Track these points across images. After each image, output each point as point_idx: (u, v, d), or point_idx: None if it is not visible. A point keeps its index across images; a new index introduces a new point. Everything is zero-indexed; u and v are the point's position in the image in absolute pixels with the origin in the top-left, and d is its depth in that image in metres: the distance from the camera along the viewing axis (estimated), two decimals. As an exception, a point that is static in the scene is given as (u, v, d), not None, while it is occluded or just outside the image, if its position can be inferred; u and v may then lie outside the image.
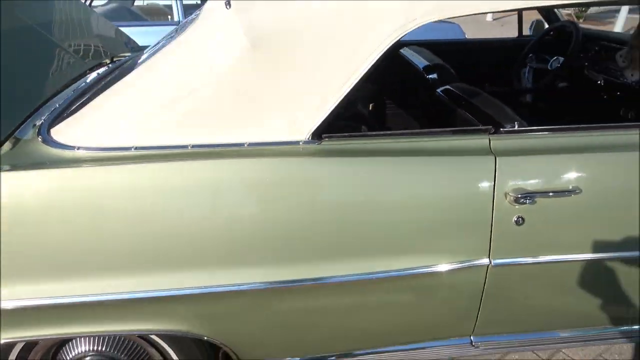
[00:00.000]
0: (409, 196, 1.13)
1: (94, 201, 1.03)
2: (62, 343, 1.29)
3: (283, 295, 1.15)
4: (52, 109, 1.33)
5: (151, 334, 1.19)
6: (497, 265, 1.16)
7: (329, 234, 1.11)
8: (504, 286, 1.21)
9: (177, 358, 1.27)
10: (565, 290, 1.25)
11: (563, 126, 1.22)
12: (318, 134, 1.12)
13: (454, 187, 1.13)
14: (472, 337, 1.32)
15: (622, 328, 1.39)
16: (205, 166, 1.06)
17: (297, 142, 1.12)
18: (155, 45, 1.55)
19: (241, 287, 1.11)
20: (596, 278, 1.25)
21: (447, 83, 2.05)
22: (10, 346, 1.21)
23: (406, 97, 2.13)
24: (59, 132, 1.16)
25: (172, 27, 3.93)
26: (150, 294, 1.08)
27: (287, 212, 1.09)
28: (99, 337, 1.27)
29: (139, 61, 1.43)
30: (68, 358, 1.29)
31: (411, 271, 1.15)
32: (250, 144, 1.11)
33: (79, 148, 1.10)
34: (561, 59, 2.49)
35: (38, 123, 1.25)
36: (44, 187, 1.02)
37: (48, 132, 1.18)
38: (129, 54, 2.14)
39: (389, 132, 1.18)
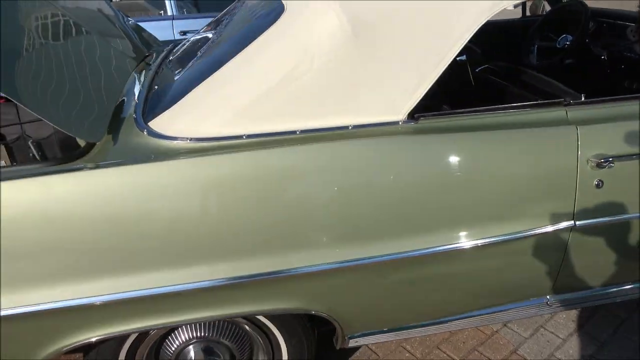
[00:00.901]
0: (501, 167, 1.21)
1: (219, 187, 1.07)
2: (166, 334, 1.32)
3: (387, 268, 1.22)
4: (126, 103, 1.34)
5: (265, 314, 1.24)
6: (580, 227, 1.27)
7: (431, 207, 1.19)
8: (584, 246, 1.32)
9: (280, 335, 1.33)
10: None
11: (624, 96, 1.33)
12: (413, 114, 1.19)
13: (541, 157, 1.22)
14: (548, 297, 1.43)
15: None
16: (324, 148, 1.11)
17: (396, 122, 1.18)
18: (202, 34, 1.59)
19: (351, 263, 1.17)
20: None
21: (479, 64, 2.15)
22: (122, 339, 1.24)
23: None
24: (161, 125, 1.17)
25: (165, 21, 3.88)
26: (270, 276, 1.13)
27: (394, 190, 1.15)
28: (201, 324, 1.31)
29: (206, 52, 1.47)
30: (172, 348, 1.32)
31: (503, 237, 1.24)
32: (354, 127, 1.17)
33: (190, 139, 1.13)
34: (569, 37, 2.64)
35: (127, 116, 1.26)
36: (175, 178, 1.05)
37: (146, 124, 1.19)
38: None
39: (474, 109, 1.26)
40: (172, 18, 3.88)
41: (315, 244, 1.14)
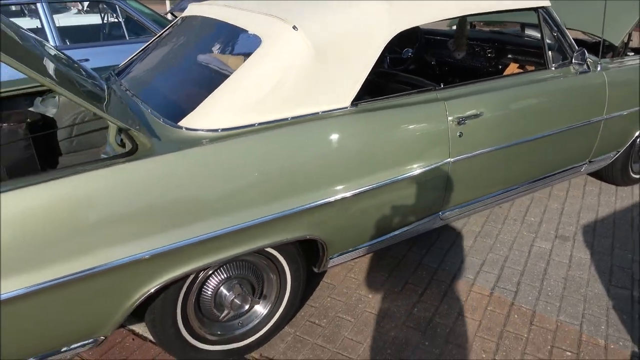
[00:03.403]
0: (407, 130, 1.97)
1: (248, 158, 1.62)
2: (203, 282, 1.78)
3: (354, 200, 1.87)
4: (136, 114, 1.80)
5: (278, 244, 1.77)
6: (454, 161, 2.10)
7: (372, 157, 1.88)
8: (458, 173, 2.15)
9: (284, 261, 1.89)
10: (492, 165, 2.27)
11: (466, 82, 2.22)
12: (353, 102, 1.88)
13: (427, 121, 2.02)
14: (440, 213, 2.25)
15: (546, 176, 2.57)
16: (304, 128, 1.74)
17: (345, 108, 1.86)
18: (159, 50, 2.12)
19: (339, 197, 1.80)
20: (509, 156, 2.30)
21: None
22: (178, 289, 1.67)
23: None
24: (193, 121, 1.67)
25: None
26: (282, 213, 1.70)
27: (354, 148, 1.82)
28: (227, 266, 1.81)
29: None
30: (209, 292, 1.79)
31: (409, 174, 2.00)
32: (322, 112, 1.81)
33: (222, 129, 1.65)
34: (410, 50, 3.68)
35: (154, 117, 1.74)
36: (221, 155, 1.57)
37: (176, 123, 1.67)
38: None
39: (385, 96, 2.00)
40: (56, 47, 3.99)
41: (308, 189, 1.74)
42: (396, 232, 2.13)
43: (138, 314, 1.70)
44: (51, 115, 2.65)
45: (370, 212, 1.96)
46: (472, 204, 2.36)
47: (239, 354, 1.92)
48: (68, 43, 4.17)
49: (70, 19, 6.41)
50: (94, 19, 6.02)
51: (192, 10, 2.58)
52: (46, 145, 2.60)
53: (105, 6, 5.19)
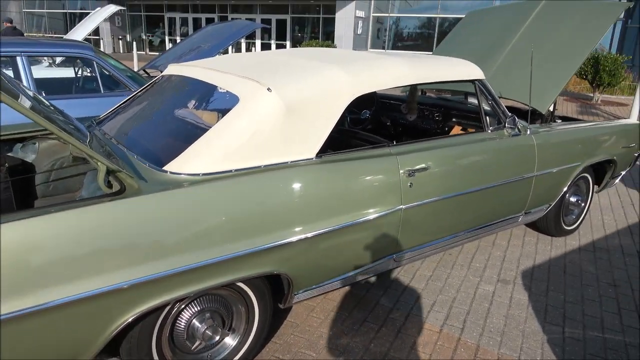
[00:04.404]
0: (364, 179, 2.25)
1: (227, 198, 1.83)
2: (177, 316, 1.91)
3: (319, 240, 2.09)
4: (121, 159, 1.99)
5: (247, 278, 1.95)
6: (405, 208, 2.38)
7: (334, 202, 2.13)
8: (409, 219, 2.43)
9: (253, 296, 2.05)
10: (439, 213, 2.56)
11: (416, 140, 2.55)
12: (318, 154, 2.16)
13: (380, 173, 2.31)
14: (393, 255, 2.49)
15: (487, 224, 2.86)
16: (275, 174, 1.98)
17: (311, 159, 2.13)
18: (141, 105, 2.33)
19: (302, 236, 2.02)
20: (454, 205, 2.60)
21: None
22: (154, 320, 1.80)
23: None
24: (177, 166, 1.88)
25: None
26: (252, 249, 1.90)
27: (317, 194, 2.07)
28: (199, 300, 1.96)
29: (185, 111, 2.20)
30: (182, 324, 1.93)
31: (364, 219, 2.24)
32: (291, 162, 2.07)
33: (203, 174, 1.87)
34: (368, 111, 4.08)
35: (140, 162, 1.93)
36: (201, 195, 1.78)
37: (161, 168, 1.88)
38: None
39: (345, 150, 2.29)
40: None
41: (276, 228, 1.96)
42: (355, 271, 2.35)
43: (111, 348, 1.81)
44: (30, 161, 2.78)
45: (331, 252, 2.18)
46: (422, 248, 2.62)
47: (208, 385, 2.03)
48: (44, 94, 4.33)
49: (41, 71, 6.59)
50: (66, 72, 6.22)
51: (172, 69, 2.86)
52: (24, 189, 2.72)
53: (79, 61, 5.42)
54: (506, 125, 2.97)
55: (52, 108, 2.36)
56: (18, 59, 4.09)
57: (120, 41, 23.73)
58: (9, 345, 1.49)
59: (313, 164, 2.12)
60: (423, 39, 20.03)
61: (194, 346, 1.98)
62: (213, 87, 2.42)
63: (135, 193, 1.72)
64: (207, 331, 1.97)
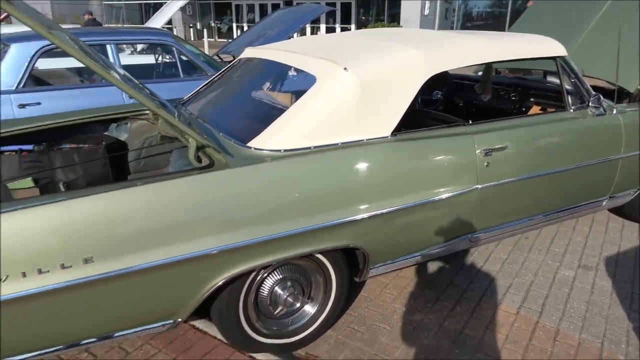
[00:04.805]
0: (440, 157, 2.24)
1: (309, 172, 1.91)
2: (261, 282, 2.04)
3: (397, 215, 2.12)
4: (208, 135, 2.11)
5: (327, 250, 2.03)
6: (481, 188, 2.35)
7: (409, 180, 2.15)
8: (484, 199, 2.39)
9: (329, 264, 2.13)
10: (516, 194, 2.50)
11: (493, 119, 2.49)
12: (393, 132, 2.17)
13: (458, 151, 2.29)
14: (469, 235, 2.47)
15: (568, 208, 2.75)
16: (352, 151, 2.02)
17: (386, 137, 2.15)
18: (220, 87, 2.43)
19: (377, 212, 2.06)
20: (532, 187, 2.53)
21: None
22: (241, 285, 1.93)
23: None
24: (260, 142, 1.98)
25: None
26: (329, 223, 1.96)
27: (393, 171, 2.10)
28: (282, 267, 2.06)
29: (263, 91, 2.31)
30: (266, 290, 2.05)
31: (441, 196, 2.25)
32: (366, 140, 2.11)
33: (284, 150, 1.96)
34: (439, 93, 4.01)
35: (225, 138, 2.05)
36: (284, 170, 1.87)
37: (245, 143, 1.99)
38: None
39: (423, 128, 2.29)
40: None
41: (352, 204, 2.01)
42: (430, 250, 2.36)
43: (199, 312, 1.96)
44: (123, 140, 3.03)
45: (406, 229, 2.21)
46: (498, 229, 2.57)
47: (287, 349, 2.15)
48: (130, 80, 4.65)
49: (124, 58, 7.04)
50: (147, 59, 6.61)
51: (249, 53, 2.97)
52: (118, 165, 2.96)
53: (159, 48, 5.74)
54: (590, 104, 2.82)
55: (146, 90, 2.55)
56: (108, 47, 4.41)
57: (190, 29, 24.65)
58: (120, 300, 1.67)
59: (388, 142, 2.14)
60: (494, 18, 19.10)
61: (276, 311, 2.10)
62: (290, 68, 2.50)
63: (223, 167, 1.85)
64: (288, 298, 2.08)
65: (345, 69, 2.13)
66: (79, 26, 11.16)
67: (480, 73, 4.15)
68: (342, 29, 21.61)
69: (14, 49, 4.04)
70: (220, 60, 6.28)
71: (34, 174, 2.73)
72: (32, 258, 1.51)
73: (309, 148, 2.01)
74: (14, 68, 4.03)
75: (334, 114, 2.06)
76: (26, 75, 4.06)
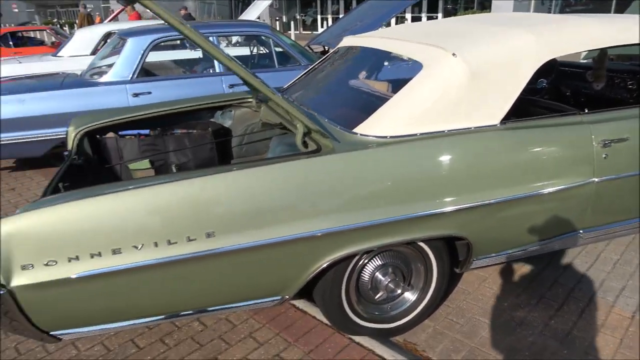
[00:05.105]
0: (553, 148, 2.12)
1: (416, 159, 1.90)
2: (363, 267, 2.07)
3: (503, 206, 2.05)
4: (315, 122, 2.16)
5: (430, 239, 2.02)
6: (598, 181, 2.19)
7: (520, 170, 2.05)
8: (601, 193, 2.23)
9: (430, 253, 2.11)
10: (635, 189, 2.30)
11: (602, 109, 2.31)
12: (502, 120, 2.09)
13: (573, 142, 2.14)
14: (581, 231, 2.32)
15: None
16: (459, 139, 1.98)
17: (495, 125, 2.07)
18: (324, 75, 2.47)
19: (484, 202, 2.00)
20: None
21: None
22: (344, 268, 1.97)
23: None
24: (365, 128, 2.00)
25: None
26: (435, 211, 1.94)
27: (502, 161, 2.02)
28: (383, 253, 2.08)
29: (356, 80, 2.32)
30: (367, 275, 2.08)
31: (553, 188, 2.12)
32: (474, 127, 2.05)
33: (390, 137, 1.96)
34: (545, 81, 3.78)
35: (331, 125, 2.09)
36: (392, 157, 1.87)
37: (350, 129, 2.01)
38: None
39: (534, 117, 2.18)
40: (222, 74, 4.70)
41: (459, 192, 1.97)
42: (537, 244, 2.24)
43: (302, 293, 2.03)
44: (227, 126, 3.20)
45: (513, 221, 2.12)
46: (613, 227, 2.39)
47: (386, 335, 2.17)
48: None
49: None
50: (241, 51, 6.90)
51: (349, 41, 2.99)
52: (222, 150, 3.14)
53: (255, 41, 5.97)
54: None
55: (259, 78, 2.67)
56: (211, 39, 4.67)
57: (277, 22, 25.30)
58: (238, 273, 1.79)
59: (498, 130, 2.07)
60: (597, 1, 17.51)
61: (377, 296, 2.13)
62: (393, 55, 2.49)
63: (331, 152, 1.89)
64: (390, 284, 2.10)
65: (453, 54, 2.08)
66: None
67: (587, 60, 3.84)
68: (429, 18, 21.00)
69: (130, 43, 4.41)
70: (311, 51, 6.40)
71: (151, 156, 2.98)
72: (163, 230, 1.66)
73: (415, 135, 1.99)
74: (130, 60, 4.41)
75: (441, 101, 2.03)
76: (140, 66, 4.42)
